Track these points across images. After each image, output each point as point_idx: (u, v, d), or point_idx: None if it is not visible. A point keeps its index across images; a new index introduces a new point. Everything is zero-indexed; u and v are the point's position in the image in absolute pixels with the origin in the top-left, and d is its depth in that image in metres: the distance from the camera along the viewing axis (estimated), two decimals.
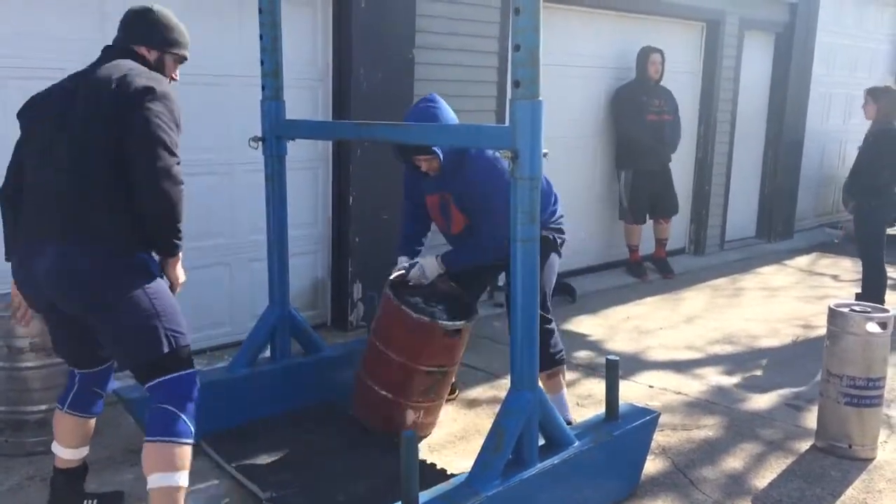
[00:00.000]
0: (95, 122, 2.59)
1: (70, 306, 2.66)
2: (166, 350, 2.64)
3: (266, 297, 3.97)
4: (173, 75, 2.94)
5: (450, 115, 3.67)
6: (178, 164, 2.62)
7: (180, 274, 2.87)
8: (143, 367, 2.67)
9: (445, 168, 3.66)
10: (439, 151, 3.58)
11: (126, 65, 2.72)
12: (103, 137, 2.58)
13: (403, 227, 4.14)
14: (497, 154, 3.45)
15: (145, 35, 2.86)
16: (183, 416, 2.65)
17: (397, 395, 3.66)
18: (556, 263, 3.88)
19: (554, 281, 3.89)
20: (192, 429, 2.68)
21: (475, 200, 3.65)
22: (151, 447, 2.63)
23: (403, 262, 3.94)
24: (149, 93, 2.60)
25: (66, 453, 3.00)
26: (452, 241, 3.99)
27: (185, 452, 2.65)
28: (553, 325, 3.80)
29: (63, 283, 2.59)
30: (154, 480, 2.60)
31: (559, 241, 3.86)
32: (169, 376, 2.66)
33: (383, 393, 3.68)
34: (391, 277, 3.82)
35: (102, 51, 2.87)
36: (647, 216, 7.35)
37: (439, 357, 3.65)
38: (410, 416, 3.71)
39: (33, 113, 2.75)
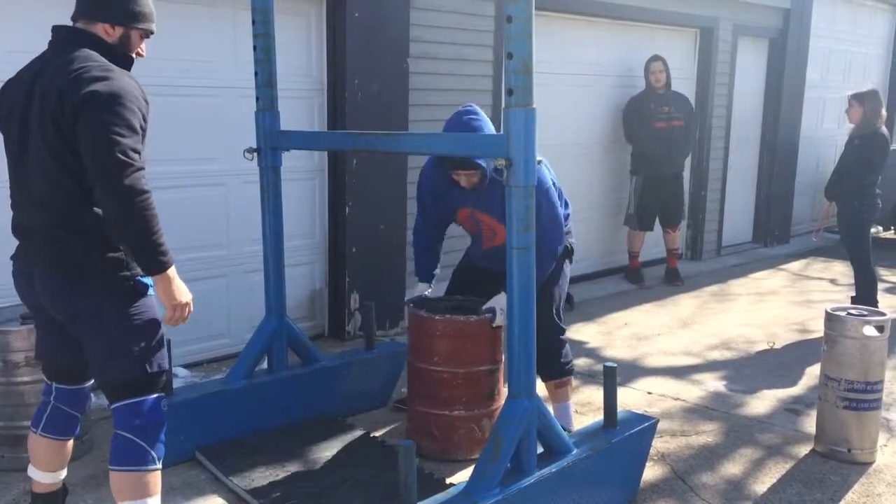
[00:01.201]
0: (51, 156, 2.44)
1: (57, 314, 2.62)
2: (137, 373, 2.55)
3: (263, 309, 3.96)
4: (139, 51, 2.67)
5: (491, 126, 3.51)
6: (136, 170, 2.35)
7: (176, 294, 2.53)
8: (110, 386, 2.59)
9: (484, 183, 3.52)
10: (485, 164, 3.42)
11: (74, 63, 2.43)
12: (60, 166, 2.44)
13: (416, 248, 4.01)
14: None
15: (105, 9, 2.55)
16: (144, 445, 2.56)
17: (470, 408, 3.63)
18: (568, 270, 3.88)
19: (566, 288, 3.87)
20: (156, 454, 2.60)
21: None
22: (117, 476, 2.57)
23: (424, 289, 3.94)
24: (91, 103, 2.35)
25: (44, 478, 2.87)
26: (492, 252, 3.76)
27: (154, 478, 2.60)
28: (566, 336, 3.82)
29: (47, 296, 2.58)
30: None
31: (571, 246, 3.84)
32: (133, 400, 2.56)
33: (456, 413, 3.63)
34: (412, 300, 3.85)
35: (53, 31, 2.59)
36: (654, 225, 7.34)
37: (494, 352, 3.68)
38: (487, 426, 3.65)
39: (2, 110, 2.60)
